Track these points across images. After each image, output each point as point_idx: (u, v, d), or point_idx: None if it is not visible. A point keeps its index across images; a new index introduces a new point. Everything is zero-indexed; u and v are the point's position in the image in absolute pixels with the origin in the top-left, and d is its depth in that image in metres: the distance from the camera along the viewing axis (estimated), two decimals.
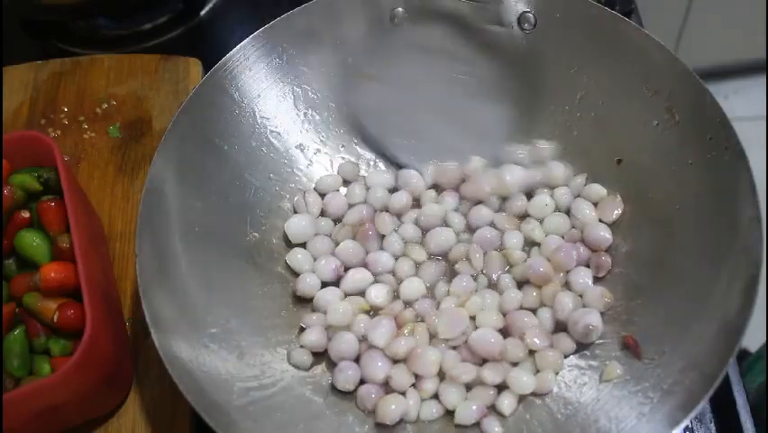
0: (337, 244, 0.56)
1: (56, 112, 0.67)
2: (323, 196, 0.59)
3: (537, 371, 0.50)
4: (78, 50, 0.74)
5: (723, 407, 0.51)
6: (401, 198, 0.58)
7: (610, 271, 0.53)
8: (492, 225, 0.56)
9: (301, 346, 0.52)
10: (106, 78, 0.69)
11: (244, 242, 0.56)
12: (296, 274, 0.56)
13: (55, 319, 0.48)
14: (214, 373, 0.48)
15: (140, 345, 0.55)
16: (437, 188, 0.59)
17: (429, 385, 0.49)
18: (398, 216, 0.58)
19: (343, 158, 0.61)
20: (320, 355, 0.52)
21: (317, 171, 0.60)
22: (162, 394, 0.53)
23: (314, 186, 0.60)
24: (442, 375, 0.50)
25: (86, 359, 0.45)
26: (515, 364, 0.50)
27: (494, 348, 0.49)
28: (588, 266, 0.54)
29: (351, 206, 0.58)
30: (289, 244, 0.57)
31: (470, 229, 0.57)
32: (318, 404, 0.50)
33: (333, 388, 0.51)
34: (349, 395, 0.50)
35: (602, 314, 0.51)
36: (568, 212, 0.56)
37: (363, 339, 0.51)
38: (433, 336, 0.51)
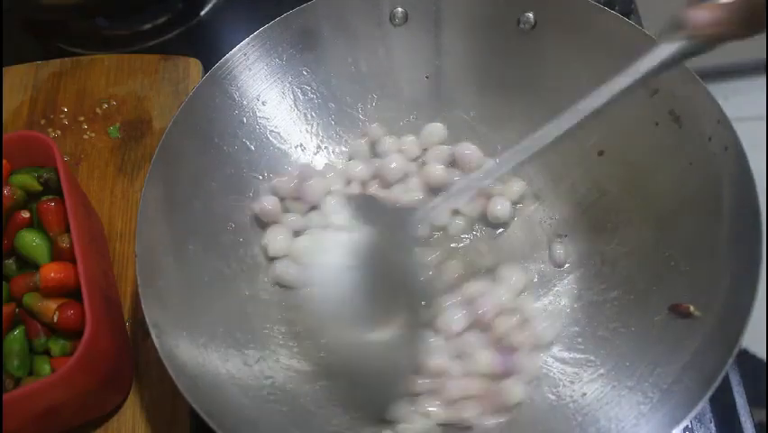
0: None
1: (56, 112, 0.67)
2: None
3: None
4: (78, 50, 0.74)
5: (723, 407, 0.52)
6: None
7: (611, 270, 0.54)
8: None
9: None
10: (106, 78, 0.69)
11: (244, 242, 0.56)
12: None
13: (55, 319, 0.48)
14: (214, 373, 0.48)
15: (140, 345, 0.55)
16: None
17: None
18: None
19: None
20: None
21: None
22: (162, 394, 0.53)
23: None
24: None
25: (86, 359, 0.45)
26: None
27: None
28: None
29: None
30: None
31: None
32: (315, 403, 0.50)
33: (330, 387, 0.51)
34: (344, 399, 0.50)
35: (600, 316, 0.51)
36: None
37: None
38: None
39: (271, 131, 0.59)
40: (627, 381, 0.47)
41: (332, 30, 0.59)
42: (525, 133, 0.59)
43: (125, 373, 0.53)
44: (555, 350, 0.52)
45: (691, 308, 0.47)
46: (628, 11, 0.69)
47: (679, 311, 0.48)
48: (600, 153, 0.57)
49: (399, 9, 0.59)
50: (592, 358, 0.50)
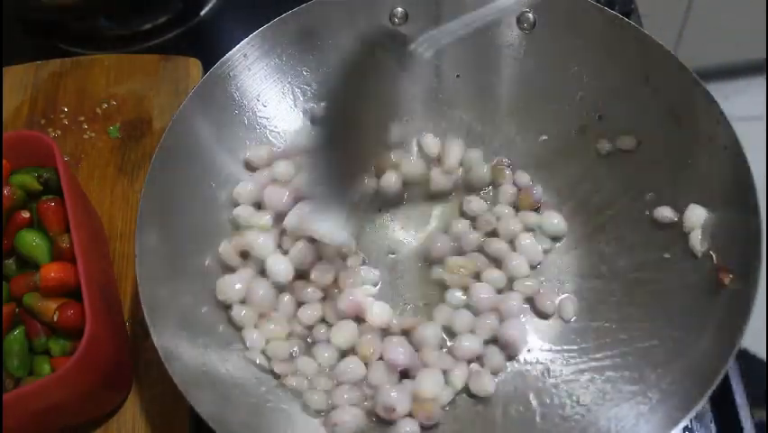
0: None
1: (56, 112, 0.67)
2: None
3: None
4: (78, 50, 0.74)
5: (723, 407, 0.52)
6: None
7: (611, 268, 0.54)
8: None
9: None
10: (106, 78, 0.69)
11: None
12: None
13: (55, 319, 0.48)
14: (214, 373, 0.48)
15: (140, 345, 0.55)
16: None
17: None
18: None
19: None
20: None
21: None
22: (162, 394, 0.53)
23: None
24: None
25: (86, 359, 0.45)
26: None
27: None
28: None
29: None
30: None
31: None
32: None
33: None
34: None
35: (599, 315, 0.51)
36: None
37: None
38: None
39: (271, 130, 0.59)
40: (627, 381, 0.47)
41: (331, 30, 0.59)
42: (524, 133, 0.60)
43: (125, 373, 0.53)
44: (555, 350, 0.52)
45: (726, 280, 0.46)
46: (628, 11, 0.69)
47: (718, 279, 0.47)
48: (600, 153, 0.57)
49: (399, 9, 0.59)
50: (592, 358, 0.50)
